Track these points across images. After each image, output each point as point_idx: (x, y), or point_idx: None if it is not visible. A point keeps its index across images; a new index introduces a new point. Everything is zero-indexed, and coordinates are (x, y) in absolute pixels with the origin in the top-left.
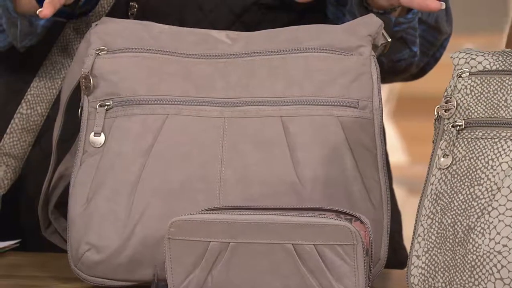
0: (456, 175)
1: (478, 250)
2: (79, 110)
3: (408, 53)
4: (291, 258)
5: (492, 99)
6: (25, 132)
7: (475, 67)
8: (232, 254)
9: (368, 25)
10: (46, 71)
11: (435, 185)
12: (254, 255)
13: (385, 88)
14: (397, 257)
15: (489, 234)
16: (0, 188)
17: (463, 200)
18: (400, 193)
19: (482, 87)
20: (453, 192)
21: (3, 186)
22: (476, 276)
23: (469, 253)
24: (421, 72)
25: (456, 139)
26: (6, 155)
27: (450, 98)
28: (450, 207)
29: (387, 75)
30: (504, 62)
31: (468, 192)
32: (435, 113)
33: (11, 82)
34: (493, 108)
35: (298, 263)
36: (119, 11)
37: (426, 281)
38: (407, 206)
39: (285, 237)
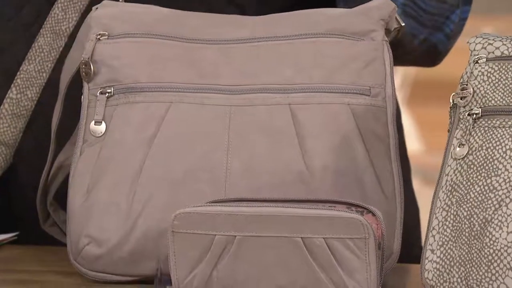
0: (472, 166)
1: (495, 244)
2: (82, 97)
3: None
4: (300, 252)
5: (510, 86)
6: (15, 118)
7: (493, 52)
8: (238, 247)
9: (381, 9)
10: (35, 54)
11: (451, 176)
12: (262, 248)
13: (399, 74)
14: (415, 252)
15: (507, 227)
16: None
17: (480, 191)
18: (414, 183)
19: (500, 74)
20: (469, 183)
21: None
22: (493, 271)
23: (486, 247)
24: (434, 50)
25: (472, 128)
26: None
27: (466, 85)
28: (466, 199)
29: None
30: None
31: (485, 183)
32: (451, 100)
33: None
34: (511, 96)
35: (308, 257)
36: None
37: (441, 276)
38: (422, 197)
39: (294, 230)
